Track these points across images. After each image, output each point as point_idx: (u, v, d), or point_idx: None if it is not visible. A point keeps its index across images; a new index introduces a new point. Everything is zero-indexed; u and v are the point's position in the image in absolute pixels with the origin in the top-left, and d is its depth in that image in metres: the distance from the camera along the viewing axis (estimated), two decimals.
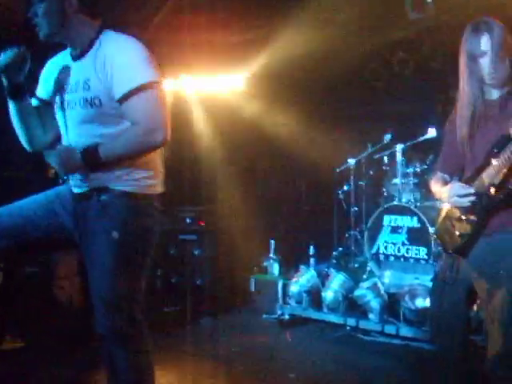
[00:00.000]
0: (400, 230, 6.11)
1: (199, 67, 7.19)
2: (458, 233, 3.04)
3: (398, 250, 6.10)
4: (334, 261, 6.76)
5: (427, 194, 6.45)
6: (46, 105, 2.93)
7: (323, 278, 6.11)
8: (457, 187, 3.03)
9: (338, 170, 7.06)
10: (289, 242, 7.41)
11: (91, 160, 2.66)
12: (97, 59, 2.69)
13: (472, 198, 2.94)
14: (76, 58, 2.80)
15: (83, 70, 2.74)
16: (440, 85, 7.08)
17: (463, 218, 3.02)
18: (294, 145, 7.26)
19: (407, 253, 6.03)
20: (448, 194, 3.08)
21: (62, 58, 2.90)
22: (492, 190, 2.88)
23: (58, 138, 2.93)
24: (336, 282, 5.84)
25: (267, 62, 6.96)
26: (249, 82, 7.46)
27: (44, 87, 2.96)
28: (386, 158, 6.73)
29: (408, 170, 6.41)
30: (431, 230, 5.72)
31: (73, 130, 2.79)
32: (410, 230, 6.02)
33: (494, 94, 3.03)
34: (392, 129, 6.58)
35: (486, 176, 2.91)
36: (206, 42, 6.65)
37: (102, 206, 2.72)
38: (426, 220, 5.83)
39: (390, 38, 6.81)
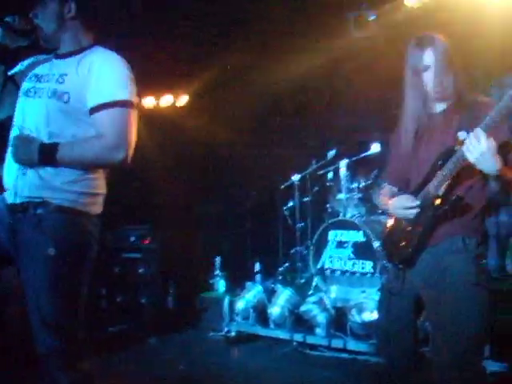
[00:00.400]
0: (345, 245, 6.14)
1: (142, 84, 7.12)
2: (403, 244, 3.07)
3: (344, 265, 6.12)
4: (280, 277, 6.75)
5: (372, 209, 6.53)
6: (13, 81, 2.90)
7: (269, 293, 6.08)
8: (403, 199, 3.07)
9: (282, 187, 7.08)
10: (235, 258, 7.36)
11: (47, 156, 2.60)
12: (81, 63, 2.70)
13: (417, 210, 2.98)
14: (60, 56, 2.81)
15: (64, 66, 2.75)
16: (383, 101, 7.21)
17: (409, 229, 3.06)
18: (238, 161, 7.27)
19: (353, 267, 6.05)
20: (394, 206, 3.12)
21: (47, 56, 2.90)
22: (437, 202, 2.92)
23: (5, 123, 2.86)
24: (282, 298, 5.83)
25: (211, 79, 6.96)
26: (193, 99, 7.44)
27: (18, 69, 2.93)
28: (330, 174, 6.78)
29: (352, 186, 6.46)
30: (376, 243, 5.78)
31: (31, 118, 2.71)
32: (356, 245, 6.05)
33: (438, 108, 3.07)
34: (336, 145, 6.66)
35: (431, 188, 2.95)
36: (149, 59, 6.60)
37: (38, 220, 2.61)
38: (371, 234, 5.88)
39: (334, 55, 6.90)
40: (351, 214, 6.38)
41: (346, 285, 6.04)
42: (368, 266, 5.93)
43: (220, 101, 7.29)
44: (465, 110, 2.94)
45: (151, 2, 5.74)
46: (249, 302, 6.03)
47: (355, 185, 6.46)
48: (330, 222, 6.35)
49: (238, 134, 7.27)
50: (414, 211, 2.99)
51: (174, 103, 7.56)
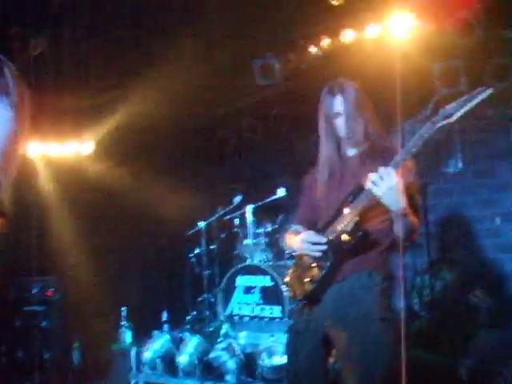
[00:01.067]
0: (253, 290, 6.14)
1: (46, 131, 6.98)
2: (307, 280, 3.09)
3: (252, 310, 6.12)
4: (188, 326, 6.66)
5: (279, 254, 6.59)
6: None
7: (178, 342, 5.97)
8: (309, 235, 3.13)
9: (189, 233, 7.04)
10: (141, 308, 7.22)
11: None
12: None
13: (323, 247, 3.03)
14: None
15: None
16: (288, 148, 7.39)
17: (313, 265, 3.09)
18: (143, 209, 7.19)
19: (262, 312, 6.06)
20: (300, 241, 3.16)
21: None
22: (343, 237, 2.98)
23: None
24: (191, 346, 5.73)
25: (116, 126, 6.90)
26: (98, 146, 7.33)
27: None
28: (237, 220, 6.82)
29: (259, 231, 6.51)
30: (284, 288, 5.82)
31: None
32: (264, 290, 6.07)
33: (352, 152, 3.19)
34: (242, 190, 6.72)
35: (339, 224, 3.01)
36: (52, 106, 6.49)
37: None
38: (278, 278, 5.91)
39: (239, 103, 7.02)
40: (258, 258, 6.41)
41: (256, 330, 6.02)
42: (276, 310, 5.95)
43: (126, 147, 7.22)
44: (377, 154, 3.05)
45: (55, 50, 5.66)
46: (156, 352, 5.88)
47: (262, 230, 6.51)
48: (237, 267, 6.35)
49: (144, 181, 7.21)
50: (321, 247, 3.04)
51: (78, 150, 7.41)
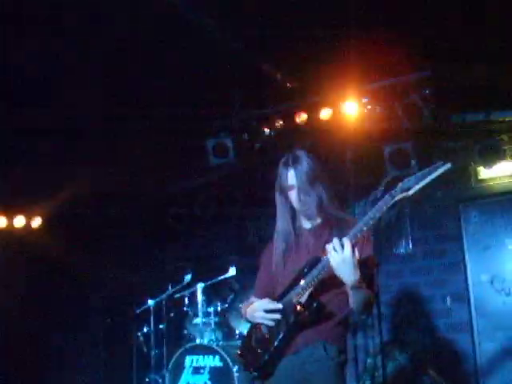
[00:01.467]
0: (202, 371, 6.00)
1: None
2: (259, 351, 3.00)
3: None
4: None
5: (229, 333, 6.51)
6: None
7: None
8: (264, 303, 3.06)
9: (138, 311, 6.89)
10: None
11: None
12: None
13: (277, 316, 2.96)
14: None
15: None
16: (239, 227, 7.40)
17: (266, 336, 3.01)
18: (91, 285, 7.04)
19: None
20: (253, 309, 3.10)
21: None
22: (298, 308, 2.89)
23: None
24: None
25: (64, 201, 6.82)
26: (46, 220, 7.22)
27: None
28: (186, 299, 6.72)
29: (209, 309, 6.42)
30: (234, 368, 5.71)
31: None
32: (213, 370, 5.94)
33: (307, 224, 3.15)
34: (193, 268, 6.65)
35: (294, 294, 2.93)
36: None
37: None
38: (228, 358, 5.80)
39: (192, 181, 7.03)
40: (208, 338, 6.29)
41: None
42: None
43: (75, 222, 7.12)
44: (333, 226, 3.02)
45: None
46: None
47: (212, 309, 6.42)
48: (186, 346, 6.21)
49: (93, 257, 7.10)
50: (275, 316, 2.97)
51: (27, 224, 7.28)
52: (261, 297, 3.24)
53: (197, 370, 6.05)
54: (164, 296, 6.77)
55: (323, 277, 2.84)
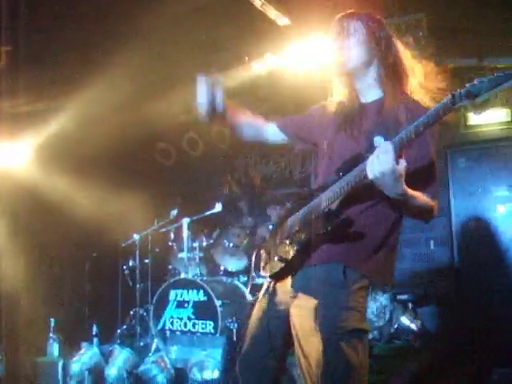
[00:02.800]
0: (186, 305, 6.08)
1: None
2: (277, 257, 2.75)
3: (185, 325, 6.05)
4: (119, 340, 6.51)
5: (213, 269, 6.58)
6: None
7: (107, 355, 5.82)
8: None
9: (123, 245, 6.93)
10: (71, 320, 7.02)
11: None
12: None
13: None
14: None
15: None
16: (227, 165, 7.39)
17: (286, 241, 2.76)
18: (77, 219, 7.02)
19: (194, 327, 5.99)
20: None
21: None
22: (324, 218, 2.55)
23: None
24: (120, 359, 5.60)
25: (53, 134, 6.76)
26: (35, 154, 7.14)
27: None
28: (172, 234, 6.76)
29: (194, 245, 6.47)
30: (217, 302, 5.79)
31: None
32: (197, 304, 6.02)
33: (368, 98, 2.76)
34: (179, 204, 6.67)
35: (326, 198, 2.56)
36: None
37: None
38: (212, 293, 5.88)
39: (180, 118, 6.98)
40: (192, 273, 6.36)
41: (187, 345, 5.95)
42: (209, 326, 5.90)
43: (62, 156, 7.05)
44: (399, 111, 2.55)
45: None
46: (84, 365, 5.71)
47: (197, 244, 6.47)
48: (171, 281, 6.28)
49: (80, 191, 7.06)
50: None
51: (14, 157, 7.19)
52: (281, 125, 3.02)
53: (181, 304, 6.14)
54: (150, 231, 6.81)
55: (358, 184, 2.40)
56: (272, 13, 5.30)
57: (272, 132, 3.07)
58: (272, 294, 2.77)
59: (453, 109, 2.17)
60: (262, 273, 2.93)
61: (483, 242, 6.45)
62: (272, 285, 2.80)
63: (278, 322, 2.70)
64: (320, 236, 2.56)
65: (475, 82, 2.12)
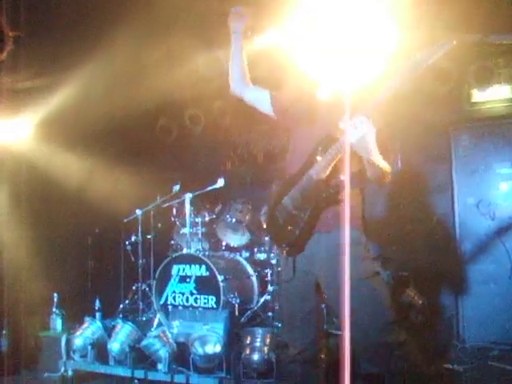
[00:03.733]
0: (188, 280, 6.10)
1: None
2: (289, 228, 3.08)
3: (187, 300, 6.08)
4: (121, 315, 6.56)
5: (216, 244, 6.59)
6: None
7: (110, 330, 5.83)
8: None
9: (125, 221, 6.94)
10: (74, 295, 7.05)
11: None
12: None
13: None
14: None
15: None
16: (228, 141, 7.36)
17: (294, 212, 3.08)
18: (80, 194, 7.04)
19: (196, 302, 6.02)
20: None
21: None
22: (321, 185, 2.99)
23: None
24: (123, 333, 5.61)
25: (54, 110, 6.73)
26: (36, 129, 7.12)
27: None
28: (174, 210, 6.76)
29: (197, 220, 6.47)
30: (220, 277, 5.81)
31: None
32: (199, 279, 6.04)
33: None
34: (181, 180, 6.65)
35: (314, 172, 3.01)
36: None
37: None
38: (214, 268, 5.89)
39: (182, 94, 6.94)
40: (195, 248, 6.37)
41: (189, 320, 5.94)
42: (211, 300, 5.93)
43: (64, 132, 7.03)
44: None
45: None
46: (87, 339, 5.72)
47: (199, 219, 6.47)
48: (173, 256, 6.29)
49: (81, 167, 7.07)
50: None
51: (15, 132, 7.18)
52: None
53: (183, 279, 6.15)
54: (152, 206, 6.81)
55: (339, 155, 2.89)
56: None
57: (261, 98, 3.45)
58: (293, 263, 3.11)
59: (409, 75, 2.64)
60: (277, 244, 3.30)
61: (484, 219, 6.44)
62: (291, 257, 3.11)
63: (305, 286, 3.11)
64: (322, 202, 2.99)
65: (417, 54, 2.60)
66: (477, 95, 6.53)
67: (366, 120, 2.70)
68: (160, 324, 6.07)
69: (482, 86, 6.27)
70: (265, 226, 3.41)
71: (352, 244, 2.84)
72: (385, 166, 2.95)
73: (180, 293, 6.14)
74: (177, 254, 6.31)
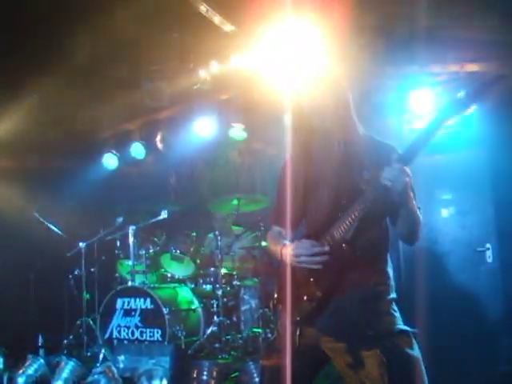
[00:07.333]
0: (133, 313, 6.05)
1: None
2: (306, 297, 2.68)
3: (132, 334, 6.02)
4: (65, 350, 6.43)
5: (160, 276, 6.55)
6: None
7: (54, 367, 5.71)
8: (306, 245, 2.66)
9: (68, 255, 6.82)
10: (15, 332, 6.87)
11: None
12: None
13: (325, 258, 2.61)
14: None
15: None
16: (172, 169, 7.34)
17: (311, 279, 2.68)
18: (21, 227, 6.90)
19: (141, 336, 5.97)
20: (296, 254, 2.67)
21: None
22: (346, 247, 2.59)
23: None
24: (67, 370, 5.49)
25: None
26: None
27: None
28: (118, 242, 6.71)
29: (141, 252, 6.43)
30: (165, 310, 5.77)
31: None
32: (144, 312, 6.00)
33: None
34: (124, 212, 6.61)
35: (337, 231, 2.61)
36: None
37: None
38: (159, 300, 5.86)
39: (128, 123, 6.94)
40: (139, 280, 6.32)
41: (135, 354, 5.87)
42: (156, 334, 5.89)
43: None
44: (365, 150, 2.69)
45: None
46: (30, 377, 5.57)
47: (143, 251, 6.43)
48: (117, 289, 6.23)
49: (24, 198, 6.95)
50: (321, 258, 2.61)
51: None
52: (283, 224, 2.88)
53: (128, 313, 6.11)
54: (95, 239, 6.73)
55: (367, 210, 2.52)
56: (217, 19, 5.31)
57: None
58: (300, 332, 2.73)
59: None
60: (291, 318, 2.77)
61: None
62: (299, 327, 2.73)
63: (310, 355, 2.73)
64: (347, 265, 2.61)
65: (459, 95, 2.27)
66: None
67: (404, 169, 2.42)
68: (105, 359, 5.97)
69: None
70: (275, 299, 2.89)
71: (370, 300, 2.63)
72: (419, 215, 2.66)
73: (125, 326, 6.09)
74: (121, 287, 6.26)
